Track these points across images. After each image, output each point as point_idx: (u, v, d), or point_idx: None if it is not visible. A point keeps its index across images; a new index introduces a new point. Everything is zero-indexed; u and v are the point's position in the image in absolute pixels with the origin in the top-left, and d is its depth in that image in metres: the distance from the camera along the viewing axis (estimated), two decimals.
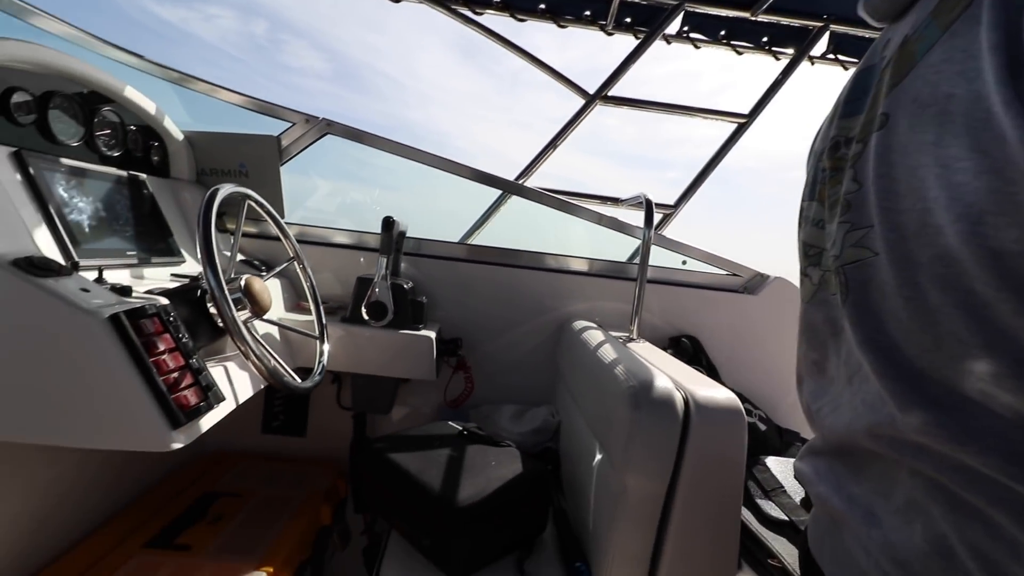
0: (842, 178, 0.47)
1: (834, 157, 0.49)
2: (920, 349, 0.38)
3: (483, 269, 1.52)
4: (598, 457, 0.93)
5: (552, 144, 1.56)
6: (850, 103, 0.49)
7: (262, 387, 1.08)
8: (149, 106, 1.26)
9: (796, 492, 1.04)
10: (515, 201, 1.62)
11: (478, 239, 1.62)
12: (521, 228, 1.68)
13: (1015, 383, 0.32)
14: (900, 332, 0.39)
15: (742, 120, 1.54)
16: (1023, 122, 0.29)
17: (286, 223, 1.37)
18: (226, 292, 0.85)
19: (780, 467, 1.09)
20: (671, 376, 0.87)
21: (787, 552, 0.91)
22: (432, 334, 1.27)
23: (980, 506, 0.35)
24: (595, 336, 1.17)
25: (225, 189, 0.92)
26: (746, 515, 1.01)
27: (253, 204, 1.08)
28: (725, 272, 1.55)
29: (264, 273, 1.16)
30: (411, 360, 1.26)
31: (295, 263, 1.19)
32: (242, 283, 1.01)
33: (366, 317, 1.26)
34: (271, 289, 1.34)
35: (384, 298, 1.25)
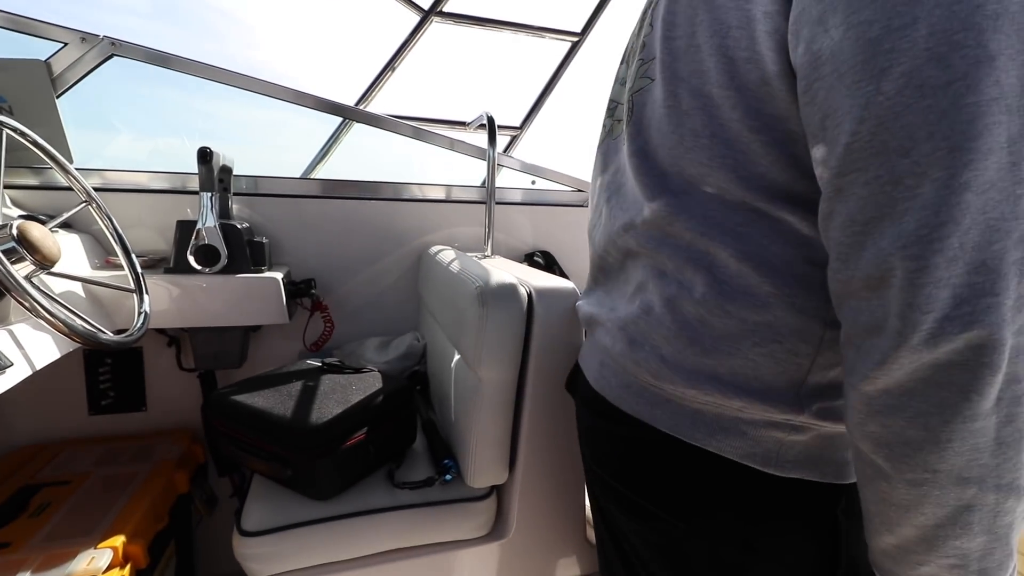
0: (642, 29, 0.56)
1: (642, 19, 0.58)
2: (669, 147, 0.48)
3: (332, 204, 1.43)
4: (456, 360, 0.97)
5: (390, 66, 1.48)
6: None
7: (69, 351, 0.93)
8: None
9: None
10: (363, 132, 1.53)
11: (322, 173, 1.52)
12: (374, 159, 1.60)
13: (723, 162, 0.43)
14: (659, 137, 0.49)
15: (575, 39, 1.59)
16: None
17: (78, 169, 1.15)
18: None
19: None
20: (516, 276, 0.91)
21: None
22: (279, 275, 1.19)
23: (677, 267, 0.47)
24: (450, 255, 1.18)
25: None
26: None
27: (13, 135, 0.89)
28: (571, 188, 1.64)
29: (48, 222, 0.97)
30: (257, 305, 1.16)
31: (89, 207, 1.01)
32: (14, 230, 0.84)
33: (195, 265, 1.12)
34: (69, 245, 1.15)
35: (214, 241, 1.13)
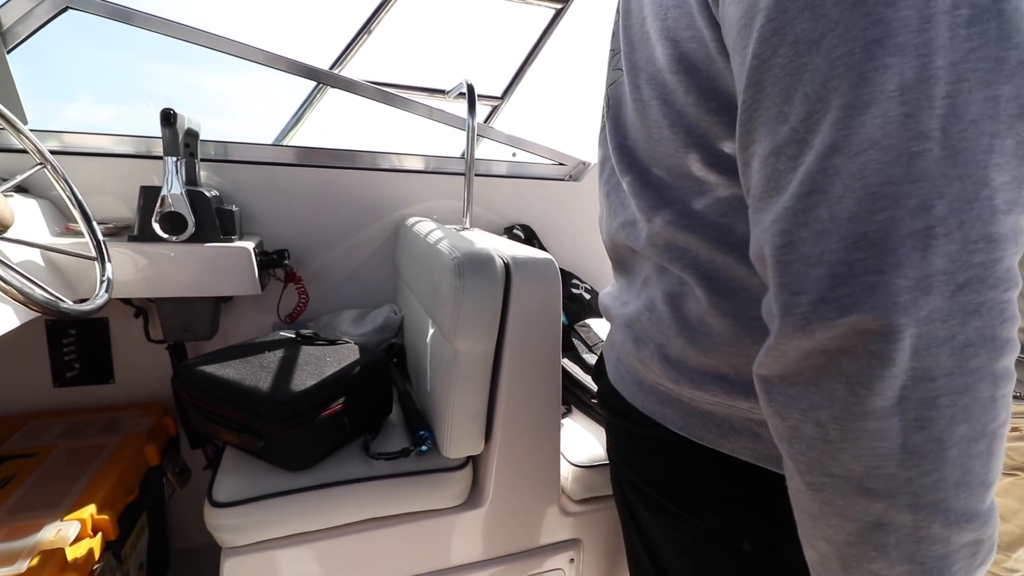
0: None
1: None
2: (643, 143, 0.46)
3: (306, 173, 1.39)
4: (433, 333, 0.96)
5: (366, 28, 1.42)
6: None
7: (28, 320, 0.90)
8: None
9: None
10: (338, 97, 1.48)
11: (296, 139, 1.47)
12: (349, 125, 1.55)
13: (688, 152, 0.41)
14: (634, 133, 0.47)
15: (559, 5, 1.55)
16: None
17: (33, 130, 1.08)
18: None
19: (601, 326, 1.23)
20: (493, 247, 0.90)
21: None
22: (249, 245, 1.15)
23: (670, 263, 0.45)
24: (427, 227, 1.16)
25: None
26: (573, 368, 1.14)
27: None
28: (552, 162, 1.62)
29: None
30: (227, 275, 1.13)
31: (44, 170, 0.96)
32: None
33: (161, 233, 1.08)
34: (25, 211, 1.09)
35: (180, 208, 1.08)
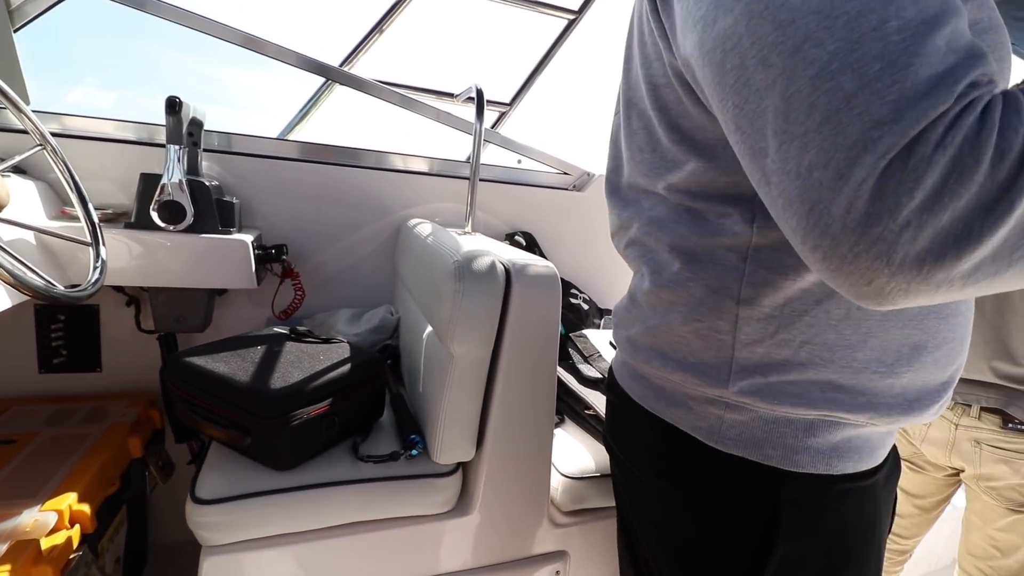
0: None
1: None
2: (632, 165, 0.55)
3: (309, 169, 1.38)
4: (429, 335, 0.95)
5: (378, 28, 1.42)
6: None
7: (17, 303, 0.88)
8: None
9: (610, 355, 1.18)
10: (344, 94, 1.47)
11: (301, 134, 1.46)
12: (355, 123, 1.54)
13: (659, 173, 0.50)
14: (625, 155, 0.57)
15: (571, 16, 1.55)
16: (658, 25, 0.45)
17: (35, 111, 1.07)
18: None
19: (598, 337, 1.22)
20: (495, 252, 0.89)
21: (600, 402, 1.04)
22: (248, 238, 1.14)
23: (637, 262, 0.56)
24: (429, 229, 1.15)
25: None
26: (568, 378, 1.13)
27: None
28: (556, 171, 1.62)
29: None
30: (223, 268, 1.12)
31: (44, 152, 0.94)
32: None
33: (159, 222, 1.07)
34: (21, 191, 1.08)
35: (180, 197, 1.07)
